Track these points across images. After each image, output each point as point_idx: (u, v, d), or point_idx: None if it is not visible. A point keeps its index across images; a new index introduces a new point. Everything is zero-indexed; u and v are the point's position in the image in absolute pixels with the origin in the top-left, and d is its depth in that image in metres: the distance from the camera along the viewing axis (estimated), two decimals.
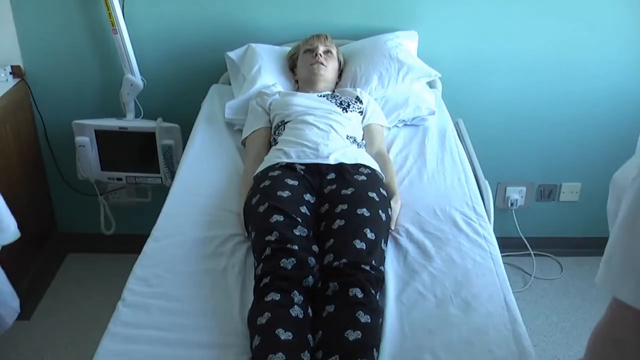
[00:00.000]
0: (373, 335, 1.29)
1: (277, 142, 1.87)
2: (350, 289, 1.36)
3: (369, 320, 1.30)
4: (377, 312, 1.35)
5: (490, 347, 1.29)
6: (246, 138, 1.98)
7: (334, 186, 1.66)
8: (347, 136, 1.85)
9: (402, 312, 1.38)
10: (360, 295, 1.35)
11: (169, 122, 2.42)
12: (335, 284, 1.38)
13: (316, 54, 2.10)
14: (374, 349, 1.26)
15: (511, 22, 2.39)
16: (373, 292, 1.38)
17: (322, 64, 2.10)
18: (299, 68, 2.18)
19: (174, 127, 2.39)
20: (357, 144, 1.85)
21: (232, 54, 2.30)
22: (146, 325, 1.35)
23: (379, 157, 1.85)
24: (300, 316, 1.33)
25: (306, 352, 1.26)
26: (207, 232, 1.64)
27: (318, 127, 1.84)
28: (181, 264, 1.53)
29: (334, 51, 2.17)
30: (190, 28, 2.42)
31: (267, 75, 2.19)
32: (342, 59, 2.22)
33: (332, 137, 1.81)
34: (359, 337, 1.26)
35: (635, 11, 2.37)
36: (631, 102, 2.54)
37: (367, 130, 1.98)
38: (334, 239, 1.50)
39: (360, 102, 2.04)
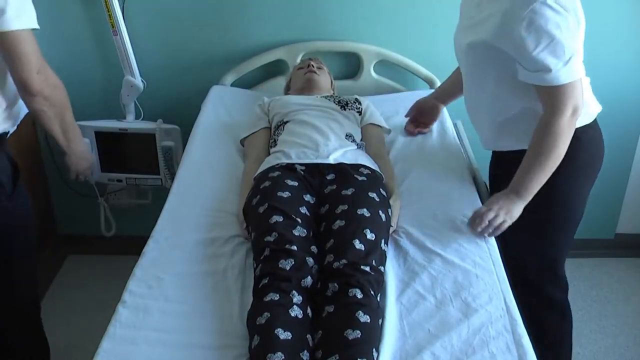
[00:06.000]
0: (372, 334, 1.30)
1: (276, 143, 1.88)
2: (350, 290, 1.36)
3: (369, 320, 1.30)
4: (377, 312, 1.35)
5: (490, 348, 1.29)
6: (245, 138, 1.99)
7: (334, 186, 1.66)
8: (347, 135, 1.86)
9: (402, 313, 1.39)
10: (359, 295, 1.35)
11: (169, 123, 2.42)
12: (335, 284, 1.39)
13: (309, 65, 2.18)
14: (374, 349, 1.27)
15: None
16: (373, 292, 1.38)
17: (315, 72, 2.15)
18: (293, 83, 2.23)
19: (174, 129, 2.40)
20: (357, 144, 1.86)
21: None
22: (146, 327, 1.35)
23: (377, 158, 1.85)
24: (300, 316, 1.33)
25: (305, 351, 1.27)
26: (207, 233, 1.64)
27: (317, 127, 1.85)
28: (181, 265, 1.53)
29: (326, 68, 2.25)
30: (190, 29, 2.42)
31: None
32: (332, 80, 2.28)
33: (331, 137, 1.82)
34: (359, 336, 1.27)
35: (636, 11, 2.37)
36: (631, 102, 2.54)
37: (366, 131, 1.98)
38: (334, 239, 1.50)
39: (359, 103, 2.05)
